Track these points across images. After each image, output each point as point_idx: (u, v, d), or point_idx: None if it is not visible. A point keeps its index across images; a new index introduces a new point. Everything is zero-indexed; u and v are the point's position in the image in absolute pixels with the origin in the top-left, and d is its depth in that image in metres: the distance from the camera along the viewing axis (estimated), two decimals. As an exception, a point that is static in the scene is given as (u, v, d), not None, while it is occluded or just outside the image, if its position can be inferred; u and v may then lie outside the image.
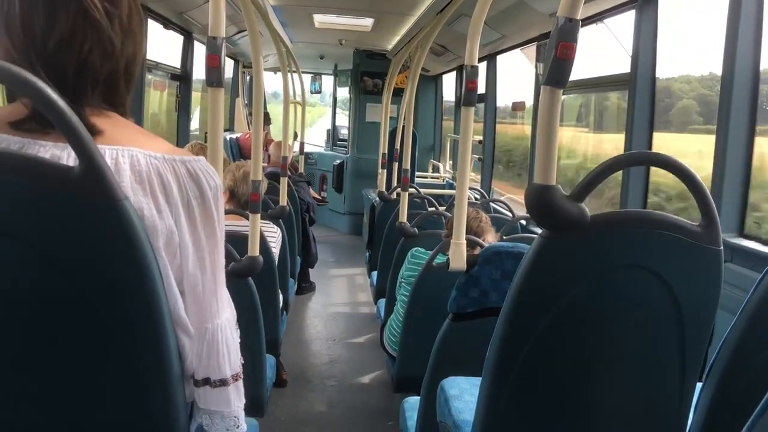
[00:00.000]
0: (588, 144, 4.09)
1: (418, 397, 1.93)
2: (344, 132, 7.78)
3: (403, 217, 2.98)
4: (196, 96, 4.98)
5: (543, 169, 1.02)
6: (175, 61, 4.38)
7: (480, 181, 4.87)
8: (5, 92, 0.82)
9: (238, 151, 6.34)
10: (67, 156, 0.74)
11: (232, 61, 6.83)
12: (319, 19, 4.82)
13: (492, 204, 3.87)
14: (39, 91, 0.67)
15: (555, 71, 0.99)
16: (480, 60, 2.07)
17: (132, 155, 0.77)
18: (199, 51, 4.51)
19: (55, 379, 0.77)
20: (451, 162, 6.34)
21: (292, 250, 3.46)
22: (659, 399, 1.12)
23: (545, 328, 1.06)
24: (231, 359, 0.86)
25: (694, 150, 2.75)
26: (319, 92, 8.58)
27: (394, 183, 4.42)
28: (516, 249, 1.76)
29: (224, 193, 2.50)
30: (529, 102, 4.22)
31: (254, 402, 1.97)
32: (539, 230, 1.08)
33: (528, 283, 1.06)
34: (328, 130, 8.26)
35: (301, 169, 5.37)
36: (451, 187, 5.53)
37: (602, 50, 3.10)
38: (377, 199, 4.41)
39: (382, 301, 3.08)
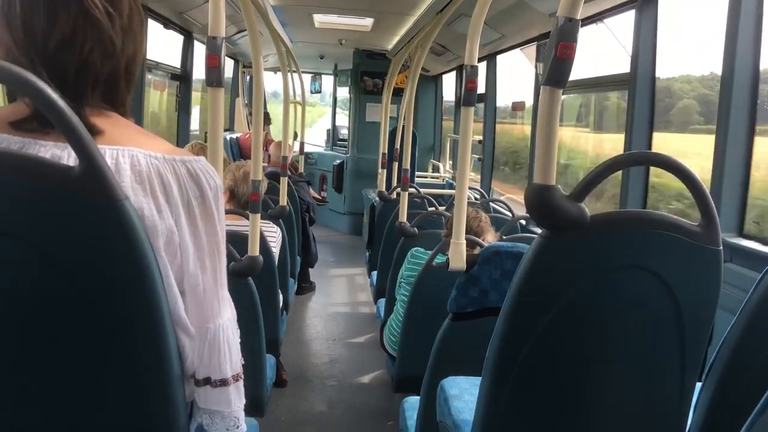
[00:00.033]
0: (588, 144, 4.09)
1: (418, 397, 1.93)
2: (344, 132, 7.78)
3: (403, 216, 2.98)
4: (196, 96, 4.98)
5: (543, 168, 1.03)
6: (175, 61, 4.38)
7: (480, 181, 4.87)
8: (6, 92, 0.82)
9: (238, 150, 6.35)
10: (67, 156, 0.74)
11: (232, 61, 6.83)
12: (319, 18, 4.82)
13: (492, 204, 3.87)
14: (39, 90, 0.67)
15: (555, 71, 0.99)
16: (480, 60, 2.07)
17: (132, 155, 0.77)
18: (199, 51, 4.51)
19: (55, 379, 0.77)
20: (450, 162, 6.34)
21: (292, 250, 3.46)
22: (659, 399, 1.12)
23: (545, 328, 1.06)
24: (232, 359, 0.87)
25: (695, 151, 2.75)
26: (319, 92, 8.58)
27: (394, 183, 4.42)
28: (516, 249, 1.76)
29: (224, 193, 2.50)
30: (529, 102, 4.22)
31: (254, 402, 1.98)
32: (539, 230, 1.08)
33: (528, 282, 1.06)
34: (328, 130, 8.26)
35: (301, 169, 5.37)
36: (451, 186, 5.53)
37: (602, 50, 3.10)
38: (377, 198, 4.41)
39: (382, 301, 3.08)
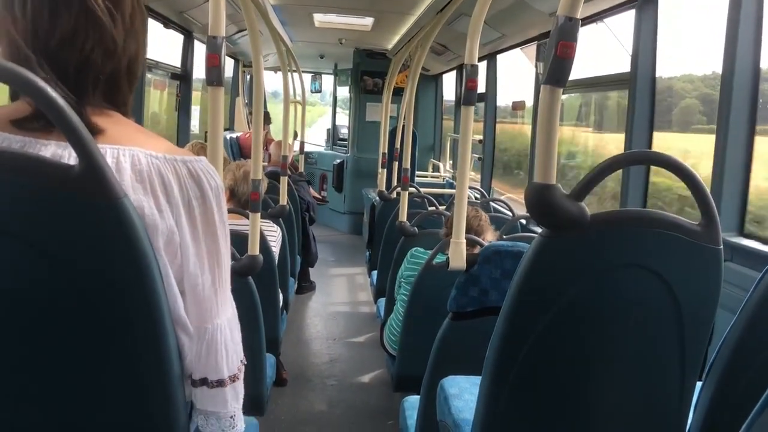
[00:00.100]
0: (588, 143, 4.09)
1: (418, 396, 1.93)
2: (344, 131, 7.78)
3: (403, 216, 2.98)
4: (196, 95, 4.98)
5: (543, 168, 1.03)
6: (175, 61, 4.38)
7: (480, 181, 4.87)
8: (9, 91, 0.82)
9: (239, 150, 6.35)
10: (68, 155, 0.74)
11: (232, 61, 6.83)
12: (319, 18, 4.81)
13: (492, 203, 3.87)
14: (39, 90, 0.67)
15: (555, 70, 0.99)
16: (480, 59, 2.07)
17: (133, 155, 0.77)
18: (199, 50, 4.51)
19: (55, 379, 0.77)
20: (451, 161, 6.34)
21: (292, 249, 3.46)
22: (659, 398, 1.12)
23: (545, 327, 1.06)
24: (229, 360, 0.86)
25: (697, 151, 2.74)
26: (319, 91, 8.58)
27: (394, 182, 4.42)
28: (516, 248, 1.76)
29: (224, 192, 2.49)
30: (529, 101, 4.22)
31: (254, 401, 1.98)
32: (539, 229, 1.08)
33: (528, 282, 1.06)
34: (328, 130, 8.26)
35: (301, 169, 5.37)
36: (451, 186, 5.53)
37: (602, 49, 3.10)
38: (377, 198, 4.41)
39: (382, 301, 3.08)
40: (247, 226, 2.02)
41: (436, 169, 6.55)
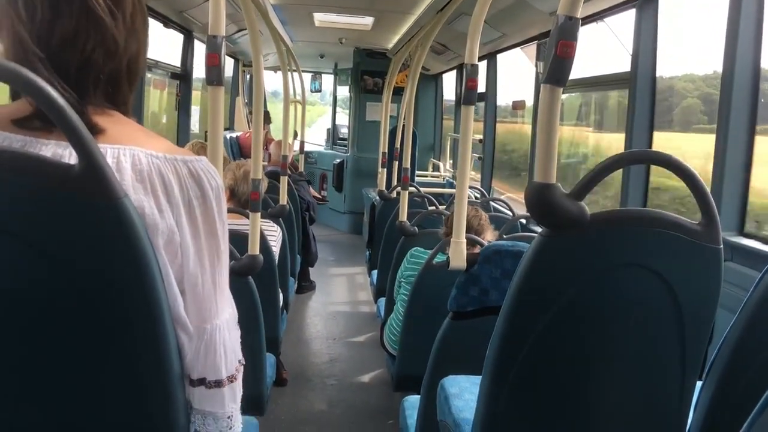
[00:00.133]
0: (588, 143, 4.09)
1: (418, 396, 1.93)
2: (344, 131, 7.78)
3: (403, 216, 2.98)
4: (195, 95, 4.98)
5: (543, 167, 1.02)
6: (175, 60, 4.38)
7: (480, 180, 4.87)
8: (10, 91, 0.82)
9: (239, 149, 6.35)
10: (69, 155, 0.74)
11: (232, 60, 6.83)
12: (320, 17, 4.81)
13: (492, 203, 3.87)
14: (39, 89, 0.67)
15: (555, 70, 0.99)
16: (480, 59, 2.07)
17: (134, 154, 0.77)
18: (199, 50, 4.51)
19: (55, 379, 0.77)
20: (451, 161, 6.34)
21: (292, 248, 3.46)
22: (659, 398, 1.12)
23: (545, 327, 1.06)
24: (227, 360, 0.86)
25: (699, 151, 2.74)
26: (319, 91, 8.58)
27: (394, 182, 4.42)
28: (516, 248, 1.76)
29: (224, 192, 2.49)
30: (530, 101, 4.22)
31: (254, 401, 1.98)
32: (539, 229, 1.08)
33: (528, 281, 1.06)
34: (328, 129, 8.26)
35: (301, 168, 5.37)
36: (451, 186, 5.53)
37: (602, 49, 3.10)
38: (377, 198, 4.41)
39: (382, 300, 3.08)
40: (247, 225, 2.02)
41: (436, 168, 6.55)
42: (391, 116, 5.31)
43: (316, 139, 8.49)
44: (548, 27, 3.23)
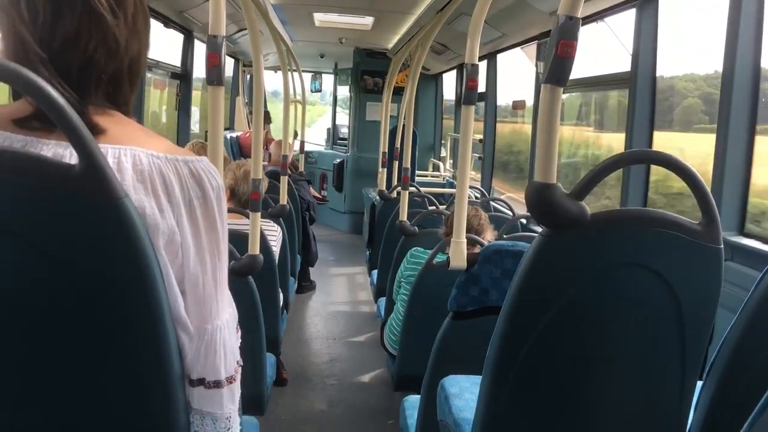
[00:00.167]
0: (588, 143, 4.08)
1: (419, 396, 1.93)
2: (344, 131, 7.78)
3: (404, 215, 2.98)
4: (196, 94, 4.98)
5: (543, 167, 1.02)
6: (175, 60, 4.38)
7: (480, 180, 4.87)
8: (10, 90, 0.82)
9: (239, 149, 6.35)
10: (69, 155, 0.74)
11: (233, 60, 6.83)
12: (320, 17, 4.81)
13: (492, 203, 3.87)
14: (40, 89, 0.67)
15: (555, 69, 0.99)
16: (480, 58, 2.07)
17: (134, 154, 0.77)
18: (200, 49, 4.51)
19: (55, 379, 0.77)
20: (451, 161, 6.34)
21: (292, 248, 3.46)
22: (659, 398, 1.12)
23: (545, 327, 1.06)
24: (227, 361, 0.86)
25: (700, 151, 2.74)
26: (320, 91, 8.57)
27: (395, 182, 4.42)
28: (516, 247, 1.76)
29: (225, 191, 2.49)
30: (530, 101, 4.22)
31: (254, 401, 1.98)
32: (539, 229, 1.08)
33: (528, 281, 1.06)
34: (328, 129, 8.26)
35: (302, 168, 5.37)
36: (451, 185, 5.53)
37: (603, 49, 3.09)
38: (377, 197, 4.41)
39: (383, 300, 3.08)
40: (247, 225, 2.02)
41: (436, 168, 6.55)
42: (391, 116, 5.31)
43: (316, 139, 8.49)
44: (548, 27, 3.24)
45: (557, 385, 1.12)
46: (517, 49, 4.20)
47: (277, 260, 2.48)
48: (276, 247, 2.56)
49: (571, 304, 1.05)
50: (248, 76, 7.36)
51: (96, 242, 0.72)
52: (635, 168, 2.60)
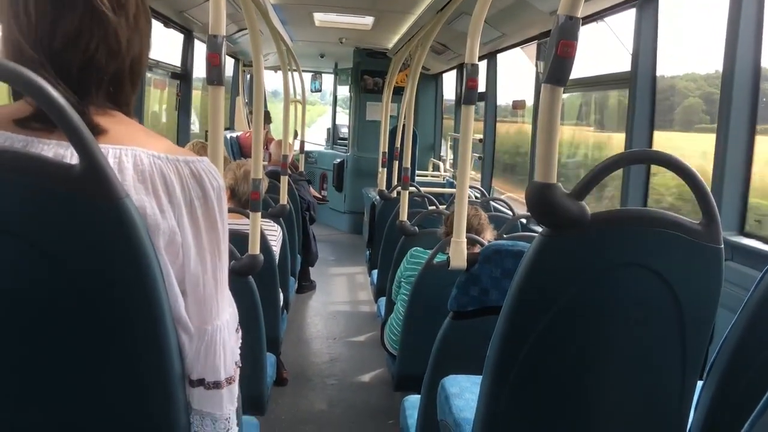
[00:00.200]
0: (588, 142, 4.08)
1: (419, 396, 1.93)
2: (344, 131, 7.78)
3: (404, 215, 2.98)
4: (196, 94, 4.98)
5: (544, 167, 1.02)
6: (175, 60, 4.38)
7: (480, 180, 4.87)
8: (11, 91, 0.82)
9: (239, 149, 6.35)
10: (70, 155, 0.73)
11: (233, 60, 6.83)
12: (320, 17, 4.81)
13: (492, 202, 3.87)
14: (40, 89, 0.67)
15: (556, 69, 0.99)
16: (480, 58, 2.07)
17: (135, 155, 0.77)
18: (200, 49, 4.51)
19: (56, 379, 0.77)
20: (451, 161, 6.34)
21: (292, 248, 3.46)
22: (660, 397, 1.12)
23: (546, 327, 1.06)
24: (226, 362, 0.86)
25: (701, 150, 2.73)
26: (320, 91, 8.57)
27: (395, 182, 4.42)
28: (516, 247, 1.76)
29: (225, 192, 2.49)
30: (530, 100, 4.22)
31: (255, 401, 1.98)
32: (539, 229, 1.08)
33: (528, 281, 1.06)
34: (328, 129, 8.26)
35: (302, 168, 5.37)
36: (451, 185, 5.53)
37: (603, 48, 3.09)
38: (377, 197, 4.41)
39: (383, 300, 3.08)
40: (247, 225, 2.02)
41: (436, 168, 6.55)
42: (391, 116, 5.31)
43: (316, 139, 8.49)
44: (548, 27, 3.23)
45: (557, 385, 1.12)
46: (517, 49, 4.20)
47: (277, 260, 2.48)
48: (276, 247, 2.56)
49: (572, 304, 1.05)
50: (248, 76, 7.36)
51: (96, 242, 0.72)
52: (635, 168, 2.60)
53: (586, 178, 1.03)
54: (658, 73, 2.59)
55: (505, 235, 2.54)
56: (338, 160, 7.21)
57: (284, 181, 3.37)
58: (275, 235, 2.62)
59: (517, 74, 4.61)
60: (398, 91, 5.87)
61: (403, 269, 2.59)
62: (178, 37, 4.34)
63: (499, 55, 4.53)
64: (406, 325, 2.35)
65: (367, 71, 6.79)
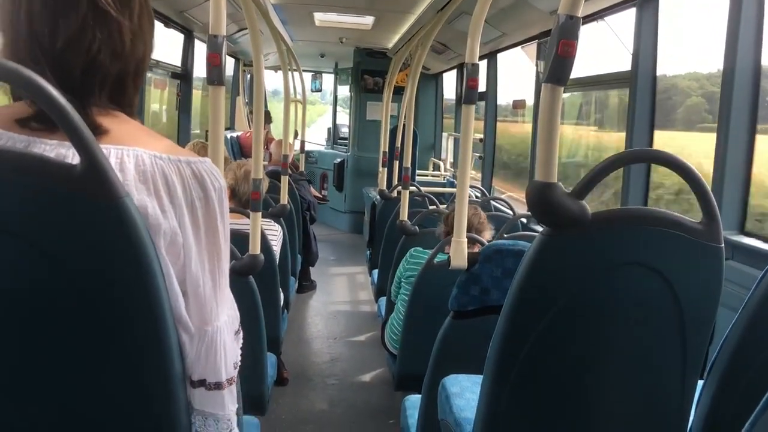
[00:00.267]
0: (588, 142, 4.08)
1: (419, 396, 1.93)
2: (345, 130, 7.78)
3: (404, 215, 2.98)
4: (196, 94, 4.98)
5: (544, 166, 1.02)
6: (175, 60, 4.39)
7: (480, 180, 4.87)
8: (11, 91, 0.82)
9: (239, 149, 6.35)
10: (72, 155, 0.73)
11: (233, 60, 6.83)
12: (320, 17, 4.81)
13: (492, 202, 3.87)
14: (40, 89, 0.67)
15: (556, 69, 0.99)
16: (480, 58, 2.07)
17: (137, 155, 0.77)
18: (200, 49, 4.51)
19: (56, 379, 0.77)
20: (451, 160, 6.34)
21: (293, 248, 3.46)
22: (660, 397, 1.12)
23: (546, 326, 1.06)
24: (227, 362, 0.86)
25: (702, 150, 2.72)
26: (320, 90, 8.57)
27: (395, 181, 4.42)
28: (517, 247, 1.76)
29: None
30: (530, 100, 4.22)
31: (255, 400, 1.98)
32: (540, 228, 1.08)
33: (529, 280, 1.06)
34: (328, 129, 8.26)
35: (302, 168, 5.37)
36: (451, 185, 5.53)
37: (603, 48, 3.09)
38: (378, 197, 4.41)
39: (383, 300, 3.08)
40: (248, 225, 2.02)
41: (436, 168, 6.55)
42: (391, 116, 5.32)
43: (316, 139, 8.49)
44: (549, 26, 3.23)
45: (558, 385, 1.12)
46: (518, 49, 4.20)
47: (277, 260, 2.48)
48: (277, 247, 2.56)
49: (572, 303, 1.05)
50: (248, 76, 7.36)
51: (97, 242, 0.72)
52: (636, 167, 2.60)
53: (586, 177, 1.03)
54: (659, 73, 2.59)
55: (505, 235, 2.54)
56: (338, 160, 7.21)
57: (285, 180, 3.37)
58: (276, 234, 2.62)
59: (517, 74, 4.61)
60: (398, 91, 5.87)
61: (404, 269, 2.59)
62: (178, 37, 4.34)
63: (499, 55, 4.53)
64: (406, 324, 2.35)
65: (367, 71, 6.79)
